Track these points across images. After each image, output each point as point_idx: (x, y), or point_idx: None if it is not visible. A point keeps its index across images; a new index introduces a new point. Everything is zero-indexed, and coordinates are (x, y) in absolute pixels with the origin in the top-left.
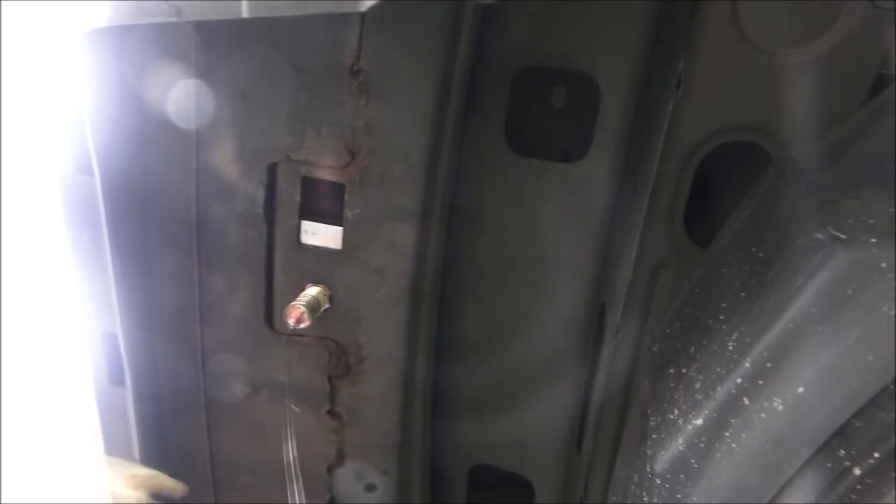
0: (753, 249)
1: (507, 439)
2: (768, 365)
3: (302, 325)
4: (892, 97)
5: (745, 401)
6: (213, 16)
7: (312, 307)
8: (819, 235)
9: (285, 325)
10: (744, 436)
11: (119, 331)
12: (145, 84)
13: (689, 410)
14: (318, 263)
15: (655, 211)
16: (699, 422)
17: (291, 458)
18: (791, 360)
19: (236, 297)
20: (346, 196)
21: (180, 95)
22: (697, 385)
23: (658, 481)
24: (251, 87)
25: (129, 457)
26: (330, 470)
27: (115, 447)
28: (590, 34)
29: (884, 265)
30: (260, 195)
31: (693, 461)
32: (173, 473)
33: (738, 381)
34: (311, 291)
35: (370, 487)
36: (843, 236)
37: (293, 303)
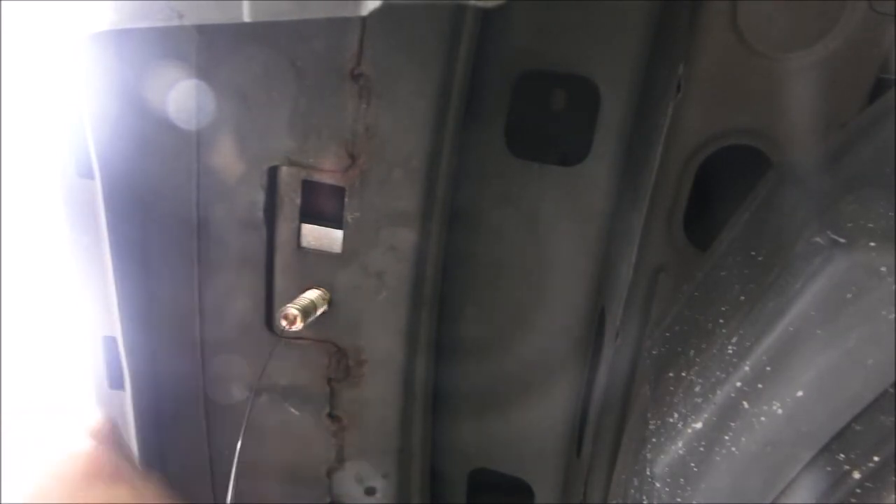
0: (753, 253)
1: (507, 443)
2: (768, 368)
3: (294, 328)
4: (892, 101)
5: (745, 404)
6: (215, 19)
7: (307, 310)
8: (818, 239)
9: (280, 328)
10: (743, 439)
11: (119, 334)
12: (146, 86)
13: (688, 414)
14: (318, 267)
15: (655, 214)
16: (699, 425)
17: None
18: (790, 363)
19: (236, 300)
20: (346, 199)
21: (181, 98)
22: (697, 388)
23: (658, 485)
24: (252, 89)
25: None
26: (329, 473)
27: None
28: (589, 38)
29: (883, 269)
30: (260, 198)
31: (693, 465)
32: (172, 476)
33: (738, 384)
34: (309, 295)
35: (370, 491)
36: (842, 240)
37: (287, 305)
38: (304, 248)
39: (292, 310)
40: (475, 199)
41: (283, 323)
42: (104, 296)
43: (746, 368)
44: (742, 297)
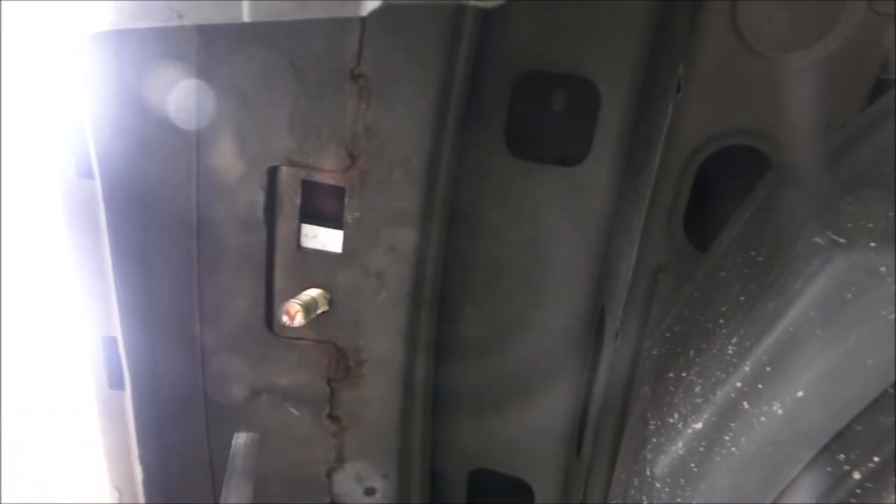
0: (753, 253)
1: (507, 443)
2: (768, 369)
3: (296, 323)
4: (892, 102)
5: (745, 405)
6: (215, 20)
7: (308, 306)
8: (818, 240)
9: (282, 323)
10: (743, 440)
11: (119, 334)
12: (146, 86)
13: (688, 414)
14: (318, 267)
15: (655, 215)
16: (699, 426)
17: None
18: (790, 364)
19: (236, 301)
20: (346, 200)
21: (181, 98)
22: (697, 389)
23: (658, 485)
24: (252, 89)
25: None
26: (329, 473)
27: (114, 452)
28: (589, 38)
29: (883, 269)
30: (260, 198)
31: (693, 465)
32: (172, 476)
33: (738, 384)
34: (311, 293)
35: (370, 491)
36: (842, 240)
37: (289, 300)
38: (304, 248)
39: (294, 305)
40: (475, 200)
41: (285, 318)
42: (104, 296)
43: (746, 369)
44: (742, 298)
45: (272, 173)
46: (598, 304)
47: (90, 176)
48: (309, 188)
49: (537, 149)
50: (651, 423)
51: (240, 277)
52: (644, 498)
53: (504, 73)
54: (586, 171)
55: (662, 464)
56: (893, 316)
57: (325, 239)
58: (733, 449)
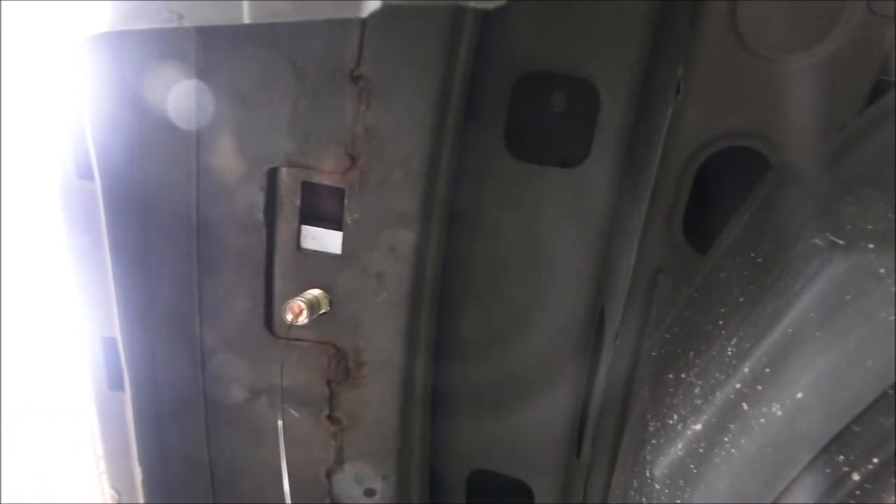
0: (752, 255)
1: (507, 444)
2: (767, 370)
3: (301, 321)
4: (891, 103)
5: (745, 406)
6: (215, 21)
7: (312, 305)
8: (817, 241)
9: (284, 321)
10: (743, 441)
11: (118, 335)
12: (145, 88)
13: (688, 416)
14: (318, 268)
15: (655, 216)
16: (698, 427)
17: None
18: (790, 365)
19: (236, 302)
20: (345, 201)
21: (180, 99)
22: (697, 390)
23: (657, 486)
24: (252, 90)
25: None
26: (329, 475)
27: (114, 452)
28: (589, 39)
29: (882, 271)
30: (260, 199)
31: (692, 466)
32: (172, 477)
33: (738, 386)
34: (313, 292)
35: (369, 492)
36: (841, 242)
37: (293, 299)
38: (303, 249)
39: (299, 303)
40: (475, 200)
41: (289, 316)
42: (104, 296)
43: (746, 370)
44: (741, 299)
45: (272, 174)
46: (598, 304)
47: (90, 177)
48: (309, 189)
49: (537, 150)
50: (650, 424)
51: (239, 278)
52: (644, 499)
53: (504, 73)
54: (586, 173)
55: (662, 465)
56: (893, 317)
57: (325, 240)
58: (733, 450)
